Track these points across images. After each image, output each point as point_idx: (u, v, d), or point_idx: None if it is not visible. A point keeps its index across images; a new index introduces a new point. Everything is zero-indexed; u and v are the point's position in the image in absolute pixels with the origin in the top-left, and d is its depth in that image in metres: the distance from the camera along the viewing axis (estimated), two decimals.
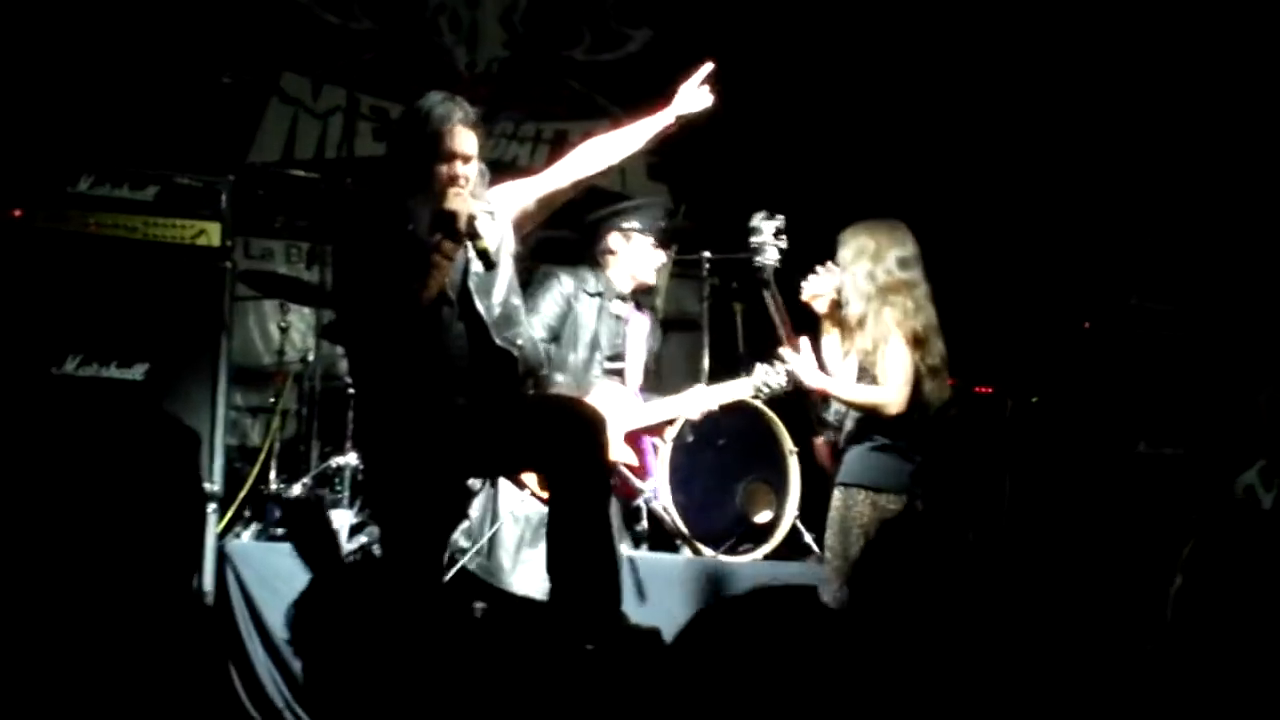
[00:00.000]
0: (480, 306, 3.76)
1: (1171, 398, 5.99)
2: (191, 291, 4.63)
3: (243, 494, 5.14)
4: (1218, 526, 2.39)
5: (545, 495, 4.57)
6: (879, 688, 1.55)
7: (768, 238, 4.62)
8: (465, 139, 3.72)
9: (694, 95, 3.99)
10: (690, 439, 5.13)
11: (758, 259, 4.61)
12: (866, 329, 4.42)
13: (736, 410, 5.19)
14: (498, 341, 3.77)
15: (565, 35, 7.30)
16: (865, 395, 4.40)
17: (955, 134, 6.86)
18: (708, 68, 4.01)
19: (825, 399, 4.54)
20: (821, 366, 4.52)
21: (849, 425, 4.52)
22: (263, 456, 5.38)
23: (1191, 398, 5.95)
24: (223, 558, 4.61)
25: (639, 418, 5.04)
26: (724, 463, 5.26)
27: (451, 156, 3.70)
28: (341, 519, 4.88)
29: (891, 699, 1.56)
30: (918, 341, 4.40)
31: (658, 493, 5.08)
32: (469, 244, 3.66)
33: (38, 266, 4.52)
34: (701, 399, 5.03)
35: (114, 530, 4.31)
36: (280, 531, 4.94)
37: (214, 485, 4.58)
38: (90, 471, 4.39)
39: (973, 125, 6.84)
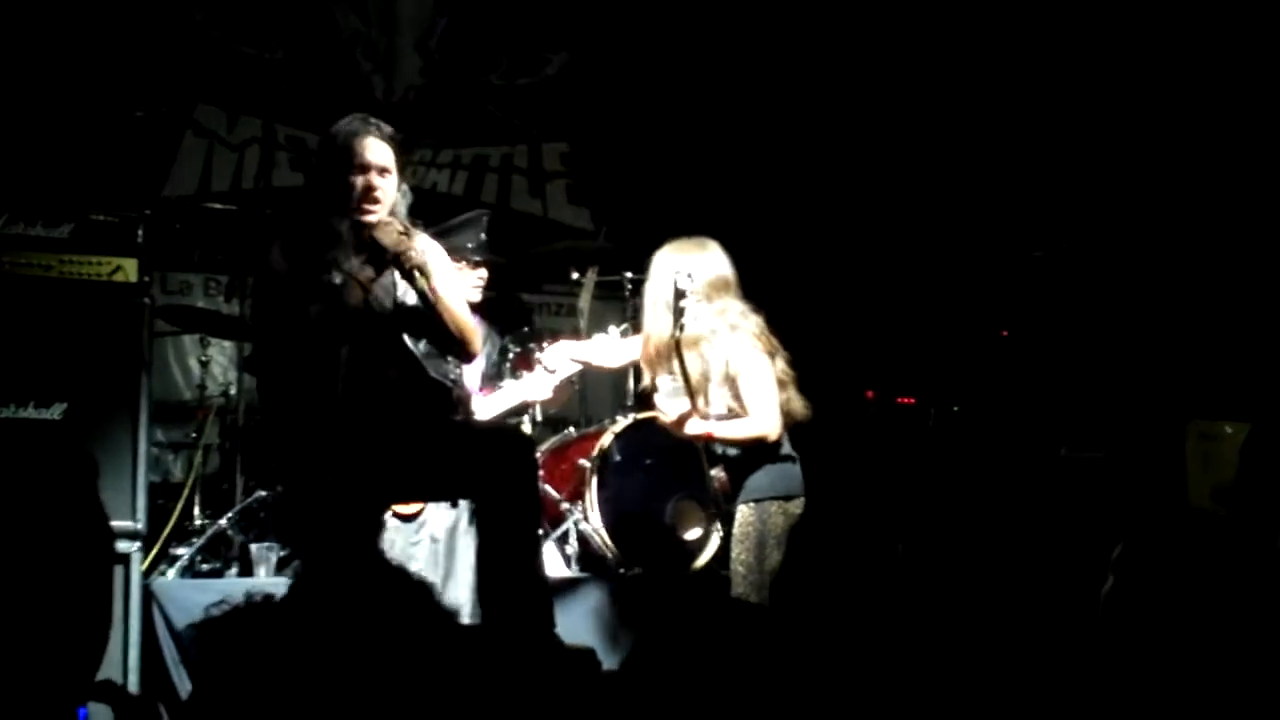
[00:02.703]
0: (410, 343, 3.76)
1: (1091, 403, 6.09)
2: (110, 328, 4.57)
3: (166, 531, 5.08)
4: (1150, 529, 2.43)
5: (406, 513, 4.58)
6: (814, 696, 1.57)
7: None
8: (377, 150, 3.71)
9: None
10: (618, 459, 5.14)
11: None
12: (728, 354, 4.38)
13: (663, 429, 5.20)
14: (433, 375, 3.77)
15: (482, 60, 7.31)
16: (746, 430, 4.35)
17: (866, 151, 6.95)
18: None
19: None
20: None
21: (731, 451, 4.48)
22: (186, 493, 5.32)
23: (1110, 402, 6.06)
24: (149, 596, 4.56)
25: (487, 410, 4.93)
26: (652, 481, 5.27)
27: (364, 167, 3.68)
28: (268, 553, 4.84)
29: (826, 706, 1.58)
30: (771, 356, 4.42)
31: (586, 514, 5.09)
32: (416, 280, 3.66)
33: None
34: (544, 380, 4.90)
35: (36, 574, 4.23)
36: (205, 568, 4.88)
37: (138, 523, 4.52)
38: (10, 515, 4.30)
39: (882, 143, 6.93)
